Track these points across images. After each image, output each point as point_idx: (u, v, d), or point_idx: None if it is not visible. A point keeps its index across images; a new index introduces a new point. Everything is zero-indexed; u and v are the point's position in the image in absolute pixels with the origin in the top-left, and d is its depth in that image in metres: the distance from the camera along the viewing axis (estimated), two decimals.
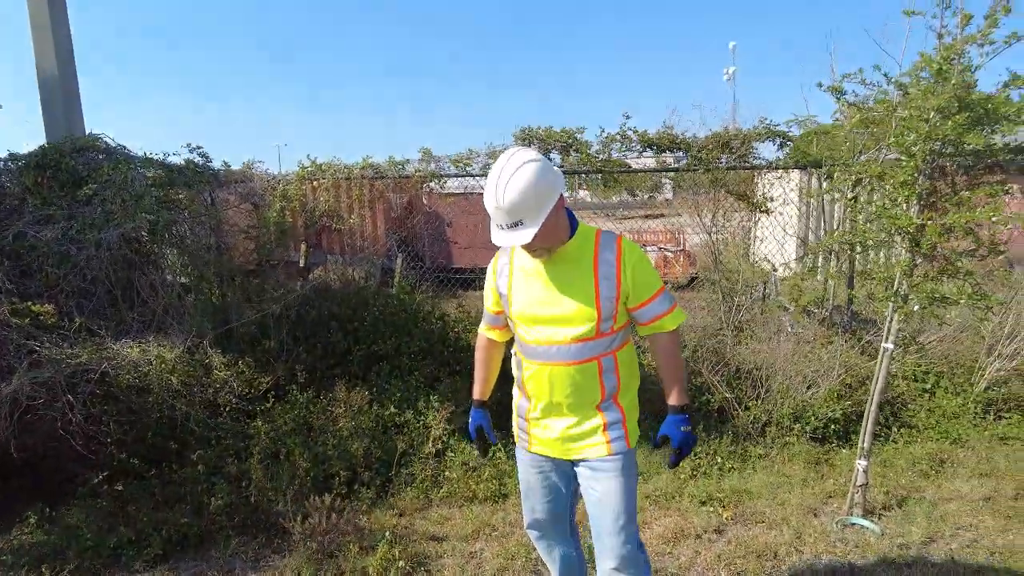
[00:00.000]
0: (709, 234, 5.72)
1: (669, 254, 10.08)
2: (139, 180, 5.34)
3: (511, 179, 1.91)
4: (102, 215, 4.92)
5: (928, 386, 5.18)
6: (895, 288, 3.37)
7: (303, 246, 8.57)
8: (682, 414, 2.11)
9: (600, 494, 2.11)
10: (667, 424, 2.11)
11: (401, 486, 3.81)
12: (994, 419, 4.87)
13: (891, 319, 3.45)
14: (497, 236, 1.99)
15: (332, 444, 3.94)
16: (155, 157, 5.53)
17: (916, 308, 3.34)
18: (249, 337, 5.22)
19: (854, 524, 3.48)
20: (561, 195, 1.98)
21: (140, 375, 4.38)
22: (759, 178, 6.05)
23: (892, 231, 3.34)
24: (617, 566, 2.12)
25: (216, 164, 5.75)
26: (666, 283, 1.92)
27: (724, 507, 3.62)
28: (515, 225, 1.93)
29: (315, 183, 5.94)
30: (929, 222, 3.13)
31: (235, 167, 5.91)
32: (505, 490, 3.80)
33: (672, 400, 2.12)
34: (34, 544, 3.19)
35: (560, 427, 2.14)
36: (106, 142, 5.59)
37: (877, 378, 3.52)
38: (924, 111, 3.12)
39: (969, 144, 3.02)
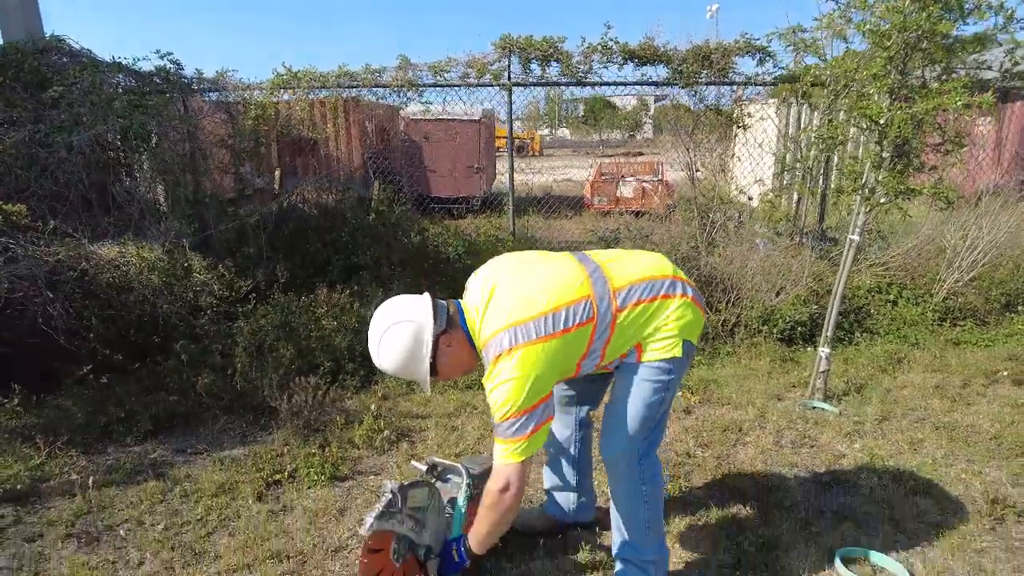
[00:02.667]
0: (688, 149, 5.77)
1: (648, 185, 10.16)
2: (108, 84, 5.20)
3: (379, 350, 1.94)
4: (70, 118, 4.82)
5: (891, 297, 5.41)
6: (863, 181, 3.49)
7: (277, 172, 8.45)
8: (463, 551, 2.02)
9: (619, 386, 2.08)
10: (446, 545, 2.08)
11: (384, 376, 3.92)
12: (950, 326, 5.12)
13: (858, 212, 3.58)
14: None
15: (315, 338, 4.02)
16: (124, 62, 5.37)
17: (883, 201, 3.47)
18: (227, 245, 5.22)
19: (815, 407, 3.69)
20: (439, 336, 1.90)
21: (120, 274, 4.39)
22: (736, 110, 6.08)
23: (863, 125, 3.44)
24: (604, 461, 2.11)
25: (188, 72, 5.59)
26: (522, 413, 1.81)
27: (692, 393, 3.81)
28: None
29: (290, 91, 5.80)
30: (898, 112, 3.22)
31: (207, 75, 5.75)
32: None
33: (469, 538, 2.01)
34: (24, 424, 3.25)
35: None
36: (69, 45, 5.40)
37: (843, 269, 3.67)
38: (900, 2, 3.17)
39: (941, 33, 3.09)
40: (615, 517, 2.13)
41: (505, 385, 1.81)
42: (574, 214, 8.84)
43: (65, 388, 3.64)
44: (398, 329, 1.90)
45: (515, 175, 6.91)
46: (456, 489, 2.23)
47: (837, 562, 2.35)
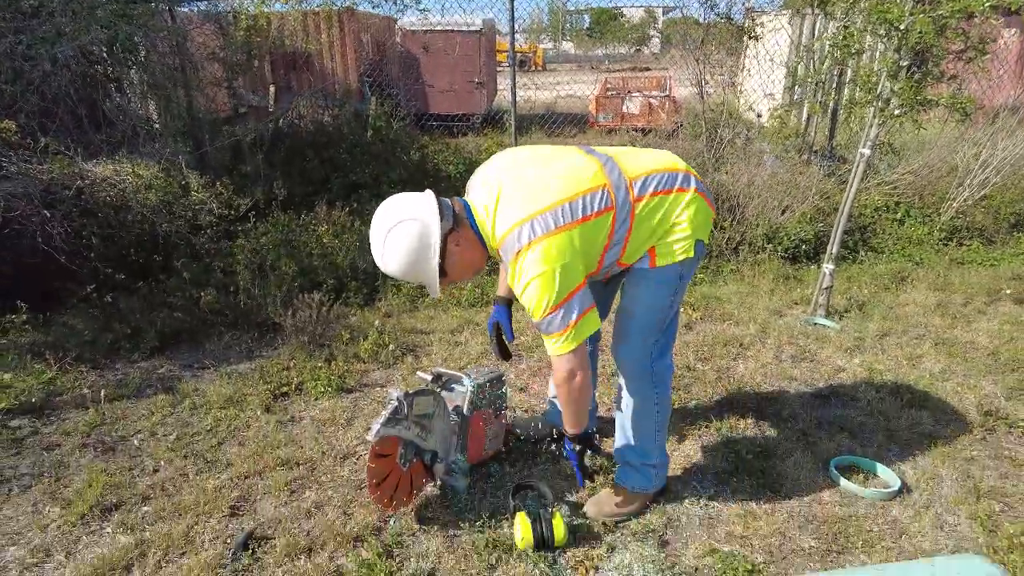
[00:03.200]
0: (697, 61, 5.54)
1: (654, 101, 9.84)
2: None
3: (384, 252, 1.81)
4: (52, 29, 4.61)
5: (898, 216, 5.34)
6: (878, 91, 3.36)
7: (272, 88, 8.18)
8: (571, 441, 2.04)
9: (630, 291, 2.06)
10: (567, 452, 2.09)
11: (388, 294, 3.93)
12: (956, 245, 5.08)
13: (871, 124, 3.46)
14: None
15: (317, 255, 4.01)
16: None
17: (897, 112, 3.35)
18: (224, 163, 5.12)
19: (816, 324, 3.71)
20: (446, 235, 1.80)
21: (117, 193, 4.32)
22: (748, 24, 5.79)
23: (882, 31, 3.27)
24: (618, 365, 2.13)
25: None
26: (559, 307, 1.74)
27: (694, 309, 3.82)
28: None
29: (282, 10, 5.54)
30: (920, 16, 3.06)
31: None
32: (487, 297, 3.96)
33: (564, 426, 2.04)
34: (33, 341, 3.28)
35: None
36: None
37: (852, 184, 3.60)
38: None
39: None
40: (621, 420, 2.17)
41: (533, 283, 1.74)
42: (578, 132, 8.63)
43: (70, 307, 3.66)
44: (403, 228, 1.78)
45: (517, 91, 6.70)
46: (460, 398, 2.27)
47: (831, 469, 2.42)
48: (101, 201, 4.20)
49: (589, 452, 2.08)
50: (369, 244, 1.85)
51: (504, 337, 2.24)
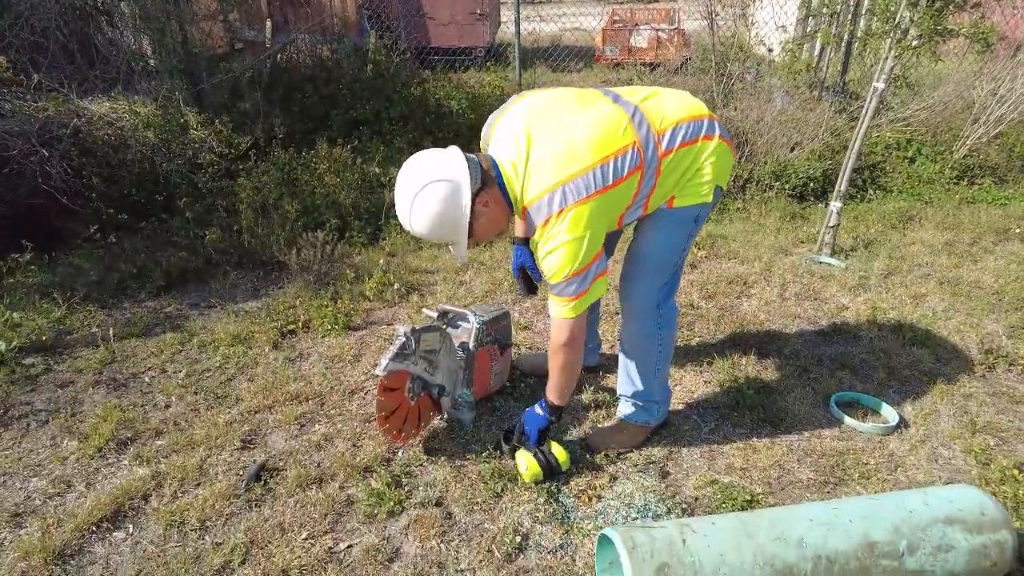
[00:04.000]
0: None
1: (663, 35, 9.50)
2: None
3: (411, 213, 1.75)
4: None
5: (909, 154, 5.23)
6: (896, 21, 3.23)
7: (268, 23, 7.91)
8: (545, 409, 2.06)
9: (642, 229, 2.04)
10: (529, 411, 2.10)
11: (391, 234, 3.92)
12: (967, 184, 5.00)
13: (886, 56, 3.35)
14: None
15: (320, 194, 3.97)
16: None
17: (915, 43, 3.24)
18: (222, 101, 5.01)
19: (821, 262, 3.70)
20: (475, 196, 1.73)
21: (115, 131, 4.26)
22: None
23: None
24: (624, 304, 2.13)
25: None
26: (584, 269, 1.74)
27: (699, 248, 3.80)
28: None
29: None
30: None
31: None
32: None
33: (548, 393, 2.04)
34: (39, 282, 3.30)
35: None
36: None
37: (863, 119, 3.51)
38: None
39: None
40: (625, 359, 2.19)
41: (560, 249, 1.72)
42: (584, 67, 8.39)
43: (74, 247, 3.67)
44: (433, 190, 1.71)
45: (521, 23, 6.47)
46: (466, 335, 2.29)
47: (832, 404, 2.46)
48: (99, 139, 4.13)
49: (543, 450, 2.06)
50: (400, 185, 1.76)
51: (531, 275, 2.19)
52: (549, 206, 1.71)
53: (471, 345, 2.24)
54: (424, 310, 2.43)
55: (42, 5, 4.44)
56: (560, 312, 1.84)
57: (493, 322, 2.34)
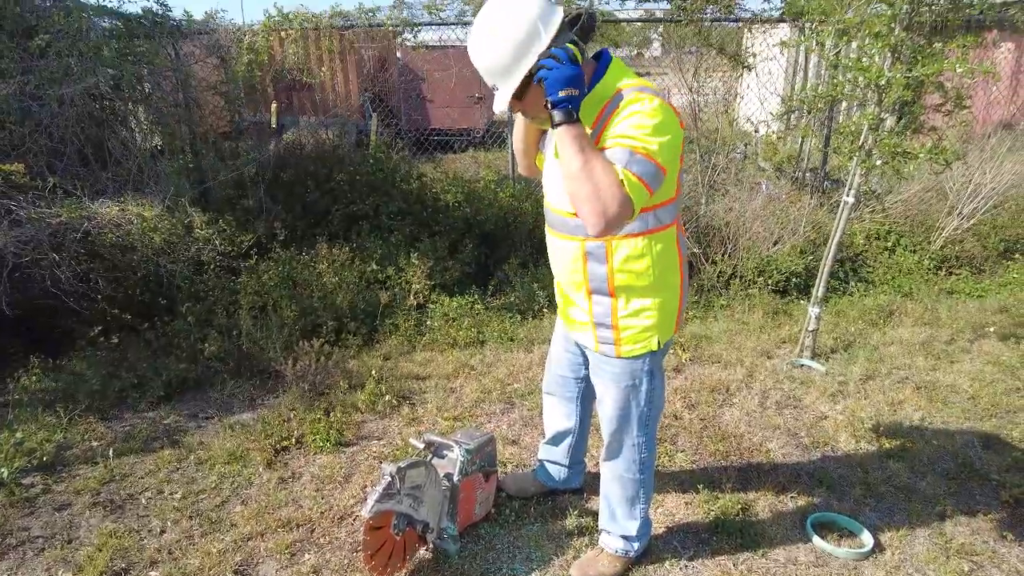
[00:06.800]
0: (691, 90, 5.63)
1: None
2: (95, 30, 5.06)
3: (484, 27, 1.60)
4: (60, 69, 4.72)
5: (889, 244, 5.42)
6: (860, 143, 3.45)
7: (273, 106, 8.27)
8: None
9: (599, 392, 2.14)
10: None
11: (386, 335, 4.05)
12: (945, 274, 5.17)
13: (854, 173, 3.56)
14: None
15: (318, 296, 4.12)
16: (108, 4, 5.20)
17: (879, 163, 3.44)
18: (226, 197, 5.23)
19: (802, 365, 3.81)
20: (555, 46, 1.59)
21: (123, 234, 4.44)
22: (746, 37, 5.88)
23: (863, 84, 3.36)
24: (605, 457, 2.22)
25: (176, 14, 5.42)
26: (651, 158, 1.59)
27: (684, 350, 3.92)
28: (494, 88, 1.64)
29: (282, 34, 5.66)
30: (898, 76, 3.14)
31: (197, 17, 5.58)
32: (483, 337, 4.07)
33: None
34: (42, 390, 3.40)
35: (562, 302, 2.16)
36: None
37: (836, 229, 3.69)
38: None
39: None
40: (606, 491, 2.27)
41: (643, 116, 1.58)
42: None
43: (78, 350, 3.79)
44: (524, 8, 1.56)
45: None
46: (451, 465, 2.37)
47: (808, 527, 2.52)
48: (108, 242, 4.32)
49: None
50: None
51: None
52: (638, 89, 1.63)
53: (456, 478, 2.33)
54: (411, 440, 2.53)
55: (62, 113, 4.70)
56: (614, 182, 1.54)
57: (478, 450, 2.43)
